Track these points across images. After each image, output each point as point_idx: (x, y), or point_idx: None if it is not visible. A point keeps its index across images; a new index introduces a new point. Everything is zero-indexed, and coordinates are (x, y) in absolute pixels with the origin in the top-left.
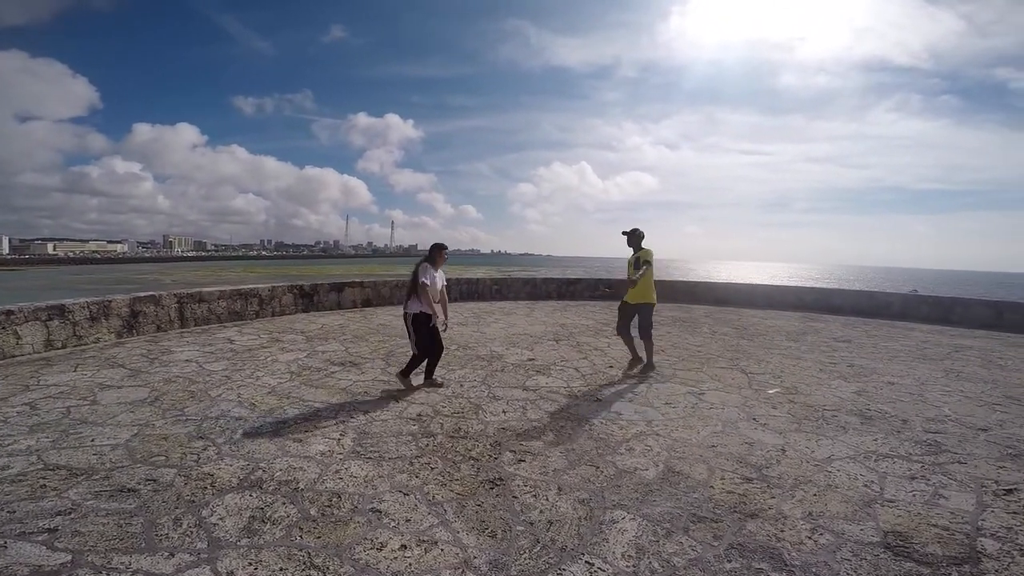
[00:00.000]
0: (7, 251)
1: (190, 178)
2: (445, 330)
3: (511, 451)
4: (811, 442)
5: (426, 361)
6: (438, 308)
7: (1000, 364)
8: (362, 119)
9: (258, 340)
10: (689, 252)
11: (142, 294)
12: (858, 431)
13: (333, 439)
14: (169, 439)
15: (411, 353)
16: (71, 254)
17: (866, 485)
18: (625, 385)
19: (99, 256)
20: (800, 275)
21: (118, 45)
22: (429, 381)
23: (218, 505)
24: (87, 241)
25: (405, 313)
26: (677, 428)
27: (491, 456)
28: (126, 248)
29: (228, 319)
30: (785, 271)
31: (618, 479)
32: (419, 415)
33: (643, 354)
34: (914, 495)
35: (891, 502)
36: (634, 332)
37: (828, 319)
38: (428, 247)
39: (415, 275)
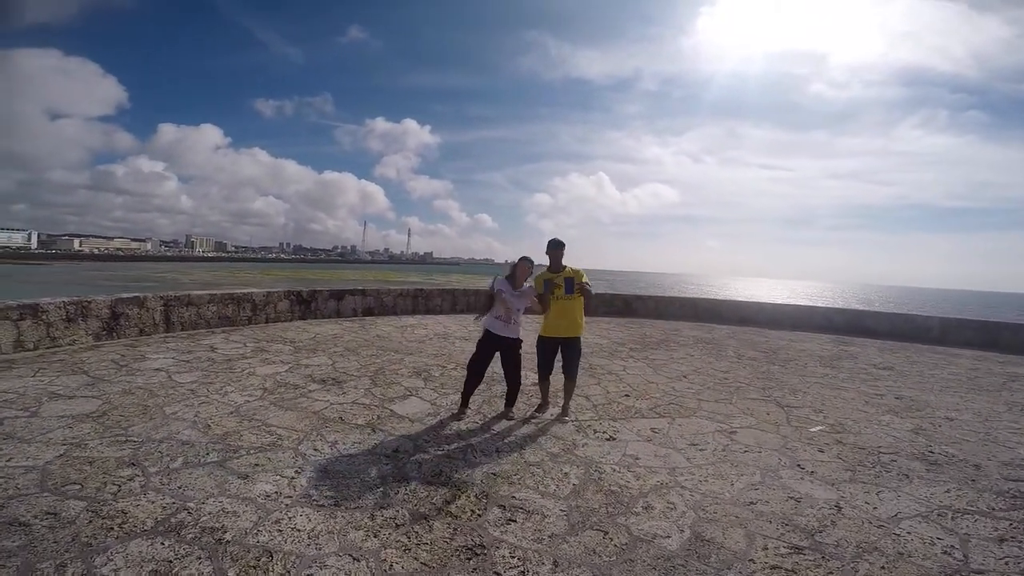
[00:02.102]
0: (35, 246)
1: (212, 179)
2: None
3: (500, 506)
4: (871, 495)
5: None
6: (498, 322)
7: None
8: (380, 124)
9: (242, 349)
10: (710, 267)
11: (125, 295)
12: (925, 480)
13: (285, 477)
14: (95, 464)
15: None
16: (96, 251)
17: (946, 552)
18: (644, 420)
19: (122, 253)
20: (825, 294)
21: (145, 45)
22: (504, 411)
23: (118, 552)
24: (112, 238)
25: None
26: (706, 478)
27: (474, 512)
28: (149, 247)
29: (218, 325)
30: (810, 289)
31: (632, 550)
32: (396, 451)
33: (549, 397)
34: (1007, 563)
35: (980, 574)
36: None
37: (862, 343)
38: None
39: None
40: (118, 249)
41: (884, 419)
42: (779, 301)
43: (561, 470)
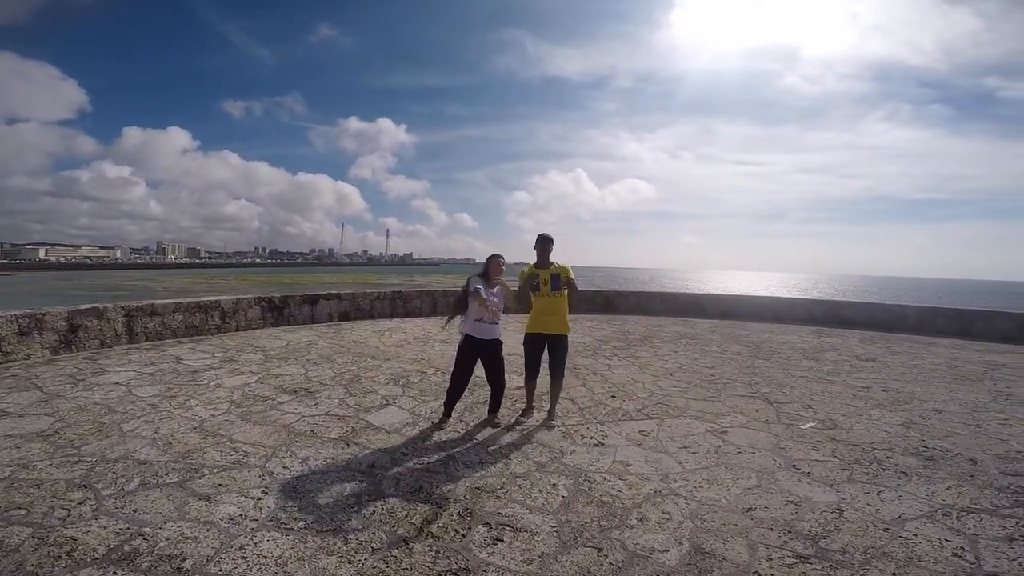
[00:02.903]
0: None
1: (182, 183)
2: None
3: (486, 524)
4: (871, 496)
5: (491, 393)
6: (482, 325)
7: None
8: (353, 123)
9: (210, 359)
10: (687, 262)
11: (83, 307)
12: (923, 477)
13: (251, 498)
14: (43, 486)
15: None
16: (63, 259)
17: (956, 554)
18: (633, 422)
19: (91, 262)
20: (802, 285)
21: (105, 47)
22: (488, 418)
23: None
24: (79, 246)
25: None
26: (701, 484)
27: (458, 531)
28: (119, 254)
29: (185, 334)
30: (785, 281)
31: (629, 567)
32: (372, 465)
33: (534, 401)
34: (1021, 563)
35: None
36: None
37: (842, 334)
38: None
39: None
40: (86, 257)
41: (873, 413)
42: (758, 294)
43: (549, 481)
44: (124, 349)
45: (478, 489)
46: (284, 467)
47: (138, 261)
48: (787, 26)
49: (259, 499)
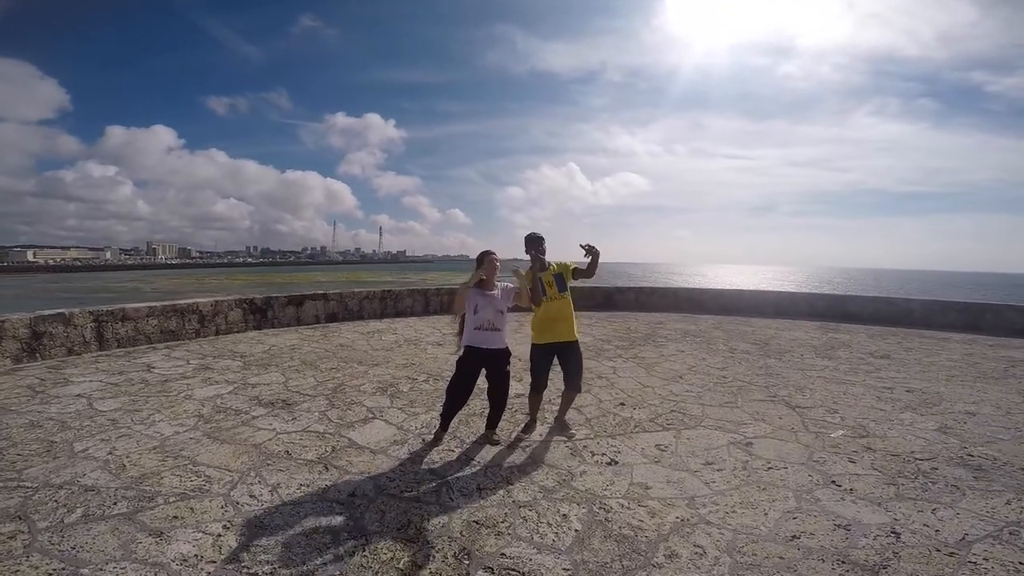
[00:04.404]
0: None
1: (169, 183)
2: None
3: (487, 568)
4: (926, 515)
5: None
6: (484, 333)
7: None
8: (341, 119)
9: (184, 367)
10: (679, 256)
11: (47, 312)
12: (976, 491)
13: (210, 535)
14: None
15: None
16: (51, 261)
17: None
18: (647, 434)
19: (80, 263)
20: (794, 279)
21: (84, 44)
22: (486, 434)
23: None
24: (68, 248)
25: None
26: (734, 508)
27: None
28: (108, 256)
29: (161, 339)
30: (778, 275)
31: None
32: (352, 494)
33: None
34: None
35: None
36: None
37: (849, 329)
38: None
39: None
40: (75, 259)
41: (904, 417)
42: (757, 287)
43: (559, 511)
44: (93, 357)
45: (476, 523)
46: (251, 496)
47: (128, 262)
48: (784, 14)
49: (219, 536)
